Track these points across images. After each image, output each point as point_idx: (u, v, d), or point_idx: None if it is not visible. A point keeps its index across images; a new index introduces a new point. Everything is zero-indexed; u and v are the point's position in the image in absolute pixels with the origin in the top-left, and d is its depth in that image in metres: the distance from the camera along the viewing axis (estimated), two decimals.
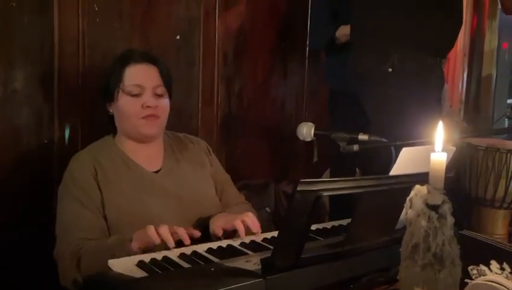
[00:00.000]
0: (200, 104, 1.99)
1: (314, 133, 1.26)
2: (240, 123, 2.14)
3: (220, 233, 1.16)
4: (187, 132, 1.57)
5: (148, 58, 1.34)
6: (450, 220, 0.68)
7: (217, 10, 1.99)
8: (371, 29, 1.54)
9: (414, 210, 0.70)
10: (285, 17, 2.33)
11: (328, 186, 0.73)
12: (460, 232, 0.99)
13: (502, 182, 1.80)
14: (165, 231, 1.02)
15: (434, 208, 0.68)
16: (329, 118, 2.03)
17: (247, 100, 2.17)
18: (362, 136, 1.17)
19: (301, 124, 1.28)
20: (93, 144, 1.38)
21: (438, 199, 0.69)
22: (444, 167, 0.70)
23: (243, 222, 1.12)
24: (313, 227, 1.03)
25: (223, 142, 2.09)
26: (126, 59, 1.32)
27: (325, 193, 0.72)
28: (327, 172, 2.18)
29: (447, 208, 0.68)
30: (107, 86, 1.32)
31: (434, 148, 0.69)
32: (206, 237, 1.17)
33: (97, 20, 1.62)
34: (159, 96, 1.33)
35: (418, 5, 1.50)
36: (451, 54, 3.29)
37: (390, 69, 1.45)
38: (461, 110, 3.39)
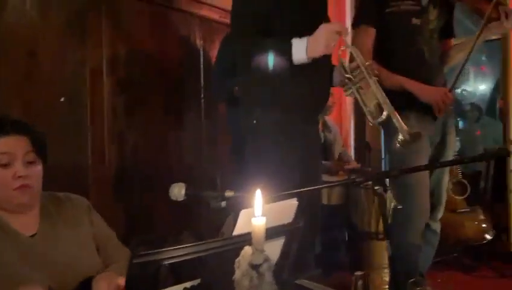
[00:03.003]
0: (90, 163, 1.98)
1: (185, 193, 1.33)
2: (136, 178, 2.15)
3: None
4: (78, 192, 1.56)
5: (17, 128, 1.33)
6: (268, 277, 0.76)
7: (104, 68, 2.03)
8: (245, 87, 1.67)
9: (240, 271, 0.78)
10: (178, 71, 2.43)
11: (167, 255, 0.78)
12: (296, 282, 1.08)
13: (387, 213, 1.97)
14: None
15: (255, 267, 0.76)
16: (235, 161, 2.12)
17: (141, 155, 2.20)
18: (228, 193, 1.26)
19: (173, 184, 1.34)
20: None
21: (259, 258, 0.77)
22: (264, 230, 0.79)
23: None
24: None
25: (118, 199, 2.08)
26: None
27: (165, 262, 0.77)
28: (230, 217, 2.23)
29: (266, 267, 0.77)
30: None
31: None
32: None
33: None
34: (31, 163, 1.32)
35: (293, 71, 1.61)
36: (341, 97, 3.59)
37: (254, 121, 1.60)
38: (352, 148, 3.69)
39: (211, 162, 2.46)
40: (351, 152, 3.70)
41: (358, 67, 1.57)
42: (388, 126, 1.82)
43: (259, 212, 0.80)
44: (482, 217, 3.00)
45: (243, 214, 0.91)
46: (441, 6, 1.98)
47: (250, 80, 1.64)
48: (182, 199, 1.30)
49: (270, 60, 1.57)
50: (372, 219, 2.42)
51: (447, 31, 2.06)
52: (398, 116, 1.57)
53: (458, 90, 6.53)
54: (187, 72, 2.49)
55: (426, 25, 1.98)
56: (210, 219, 2.31)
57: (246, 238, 0.82)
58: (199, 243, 0.82)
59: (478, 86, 7.27)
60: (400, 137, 1.58)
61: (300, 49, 1.53)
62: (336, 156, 3.27)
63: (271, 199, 1.11)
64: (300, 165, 1.63)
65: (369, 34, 1.98)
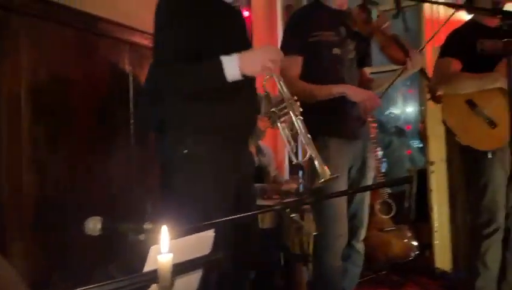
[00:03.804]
0: (6, 193, 1.87)
1: (101, 228, 1.29)
2: (56, 209, 2.05)
3: None
4: None
5: None
6: None
7: (22, 95, 1.94)
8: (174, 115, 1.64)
9: None
10: (106, 97, 2.38)
11: None
12: None
13: (305, 239, 2.01)
14: None
15: None
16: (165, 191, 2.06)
17: (64, 184, 2.11)
18: (147, 226, 1.24)
19: (88, 219, 1.30)
20: None
21: None
22: (170, 267, 0.78)
23: None
24: None
25: (37, 231, 1.97)
26: None
27: None
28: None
29: None
30: None
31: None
32: None
33: None
34: None
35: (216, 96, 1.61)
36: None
37: (185, 151, 1.58)
38: (287, 172, 3.77)
39: (141, 191, 2.40)
40: (286, 175, 3.77)
41: (282, 100, 1.57)
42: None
43: (166, 248, 0.80)
44: (407, 234, 3.17)
45: (153, 250, 0.90)
46: (358, 38, 2.11)
47: (179, 107, 1.61)
48: (97, 233, 1.26)
49: (200, 81, 1.54)
50: (303, 242, 2.47)
51: (364, 61, 2.19)
52: (321, 159, 1.54)
53: (387, 112, 6.91)
54: (116, 98, 2.44)
55: (346, 54, 2.10)
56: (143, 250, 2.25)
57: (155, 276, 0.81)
58: (105, 282, 0.80)
59: (405, 109, 7.74)
60: (322, 179, 1.58)
61: (232, 66, 1.50)
62: (271, 179, 3.33)
63: (192, 231, 1.10)
64: (235, 192, 1.63)
65: (296, 63, 2.05)
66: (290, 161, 3.87)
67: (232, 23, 1.69)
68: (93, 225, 1.28)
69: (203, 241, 1.06)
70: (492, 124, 2.12)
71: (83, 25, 2.27)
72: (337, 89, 1.97)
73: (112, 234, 1.25)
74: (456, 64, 2.22)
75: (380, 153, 5.38)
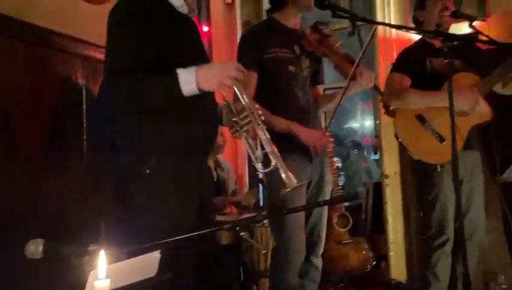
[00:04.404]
0: None
1: (43, 250, 1.24)
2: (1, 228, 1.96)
3: None
4: None
5: None
6: None
7: None
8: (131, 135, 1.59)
9: None
10: (57, 112, 2.30)
11: None
12: None
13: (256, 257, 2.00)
14: None
15: None
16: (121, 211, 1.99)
17: (10, 203, 2.01)
18: (92, 248, 1.20)
19: (29, 241, 1.24)
20: None
21: None
22: None
23: None
24: None
25: None
26: None
27: None
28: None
29: None
30: None
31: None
32: None
33: None
34: None
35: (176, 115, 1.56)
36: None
37: (147, 171, 1.53)
38: (247, 186, 3.77)
39: (93, 210, 2.32)
40: (246, 189, 3.77)
41: (244, 109, 1.55)
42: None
43: (103, 274, 0.77)
44: (364, 246, 3.23)
45: (91, 275, 0.87)
46: (311, 56, 2.16)
47: (136, 123, 1.56)
48: (39, 256, 1.21)
49: (155, 97, 1.49)
50: (260, 258, 2.47)
51: (317, 78, 2.24)
52: (286, 168, 1.53)
53: (346, 125, 7.10)
54: (68, 113, 2.37)
55: (300, 72, 2.14)
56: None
57: None
58: None
59: (364, 122, 7.96)
60: (287, 189, 1.57)
61: (189, 81, 1.46)
62: (230, 193, 3.32)
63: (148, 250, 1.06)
64: (195, 209, 1.59)
65: (252, 79, 2.06)
66: (250, 175, 3.89)
67: (188, 34, 1.66)
68: (35, 248, 1.22)
69: (148, 263, 1.04)
70: (440, 138, 2.20)
71: (34, 38, 2.20)
72: (292, 127, 2.00)
73: (55, 257, 1.20)
74: (405, 81, 2.31)
75: (338, 165, 5.50)
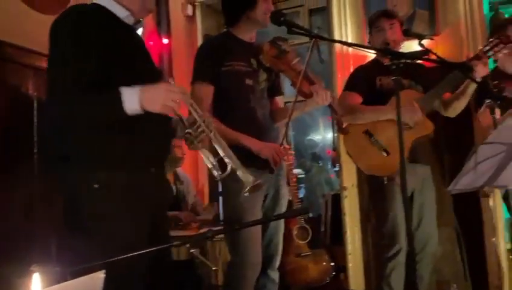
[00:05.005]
0: None
1: None
2: None
3: None
4: None
5: None
6: None
7: None
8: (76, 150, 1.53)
9: None
10: (6, 124, 2.22)
11: None
12: None
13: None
14: None
15: None
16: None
17: None
18: (34, 267, 1.15)
19: None
20: None
21: None
22: None
23: None
24: None
25: None
26: None
27: None
28: None
29: None
30: None
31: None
32: None
33: None
34: None
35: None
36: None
37: (96, 185, 1.48)
38: (207, 198, 3.74)
39: (44, 224, 2.24)
40: (206, 202, 3.74)
41: (196, 121, 1.56)
42: (225, 181, 1.87)
43: None
44: (324, 258, 3.26)
45: None
46: (268, 70, 2.18)
47: (84, 138, 1.50)
48: None
49: (98, 115, 1.47)
50: (218, 272, 2.45)
51: (274, 91, 2.26)
52: (243, 168, 1.58)
53: (308, 138, 7.19)
54: (19, 125, 2.28)
55: (257, 85, 2.15)
56: None
57: None
58: None
59: (326, 135, 8.09)
60: (247, 188, 1.59)
61: (133, 100, 1.43)
62: (189, 207, 3.28)
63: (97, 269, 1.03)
64: (147, 226, 1.55)
65: (206, 91, 2.06)
66: (211, 188, 3.87)
67: (134, 45, 1.63)
68: None
69: (92, 284, 1.00)
70: (386, 152, 2.30)
71: None
72: (244, 141, 2.00)
73: None
74: (356, 98, 2.40)
75: (302, 176, 5.55)
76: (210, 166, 1.58)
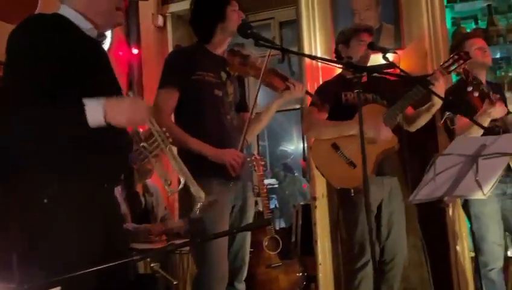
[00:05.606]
0: None
1: None
2: None
3: None
4: None
5: None
6: None
7: None
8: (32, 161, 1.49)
9: None
10: None
11: None
12: None
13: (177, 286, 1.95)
14: None
15: None
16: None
17: None
18: None
19: None
20: None
21: None
22: None
23: None
24: None
25: None
26: None
27: None
28: None
29: None
30: None
31: None
32: None
33: None
34: None
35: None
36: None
37: (45, 200, 1.43)
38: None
39: (3, 238, 2.16)
40: (177, 216, 3.69)
41: (152, 135, 1.54)
42: (183, 195, 1.87)
43: None
44: (294, 269, 3.27)
45: None
46: (235, 83, 2.21)
47: (36, 150, 1.45)
48: None
49: (59, 127, 1.43)
50: (179, 286, 2.42)
51: (242, 106, 2.28)
52: (196, 184, 1.60)
53: (280, 148, 7.24)
54: None
55: (226, 97, 2.17)
56: None
57: None
58: None
59: (299, 145, 8.17)
60: (198, 205, 1.62)
61: (97, 113, 1.41)
62: (159, 219, 3.23)
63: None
64: (101, 241, 1.50)
65: (171, 96, 2.07)
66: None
67: (96, 58, 1.60)
68: None
69: None
70: (352, 164, 2.34)
71: None
72: (202, 148, 2.00)
73: None
74: (321, 114, 2.45)
75: (275, 186, 5.55)
76: (163, 181, 1.58)
